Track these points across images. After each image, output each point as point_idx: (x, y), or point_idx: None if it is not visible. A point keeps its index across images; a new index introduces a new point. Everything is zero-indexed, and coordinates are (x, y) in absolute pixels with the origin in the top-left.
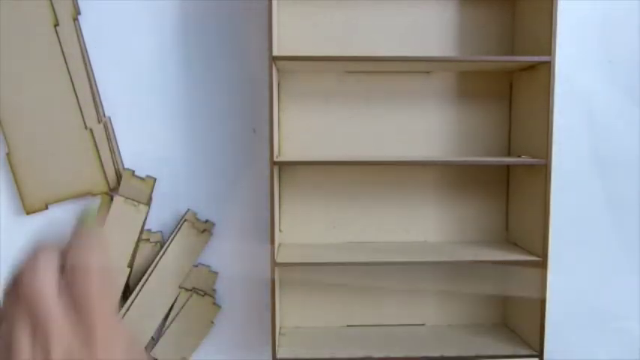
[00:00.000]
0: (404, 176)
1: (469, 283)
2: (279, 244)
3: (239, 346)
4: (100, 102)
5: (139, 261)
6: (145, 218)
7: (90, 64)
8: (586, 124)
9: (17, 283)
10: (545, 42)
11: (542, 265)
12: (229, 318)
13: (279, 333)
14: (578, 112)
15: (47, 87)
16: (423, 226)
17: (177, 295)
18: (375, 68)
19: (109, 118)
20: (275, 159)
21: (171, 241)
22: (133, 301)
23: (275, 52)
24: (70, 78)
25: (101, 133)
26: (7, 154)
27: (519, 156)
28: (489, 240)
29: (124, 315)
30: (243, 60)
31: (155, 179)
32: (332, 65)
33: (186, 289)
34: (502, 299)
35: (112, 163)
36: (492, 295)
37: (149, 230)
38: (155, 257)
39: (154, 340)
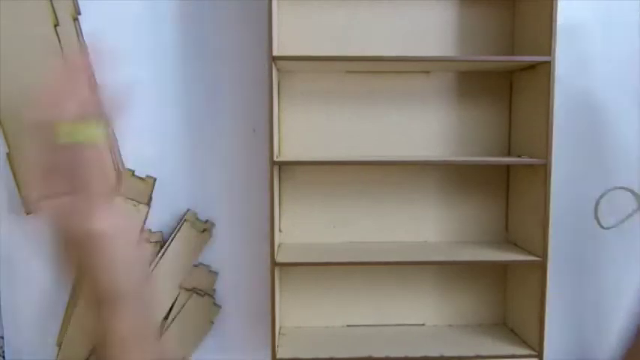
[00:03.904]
0: (404, 176)
1: (469, 283)
2: (279, 244)
3: (239, 346)
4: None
5: None
6: (145, 218)
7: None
8: (586, 124)
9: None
10: (545, 42)
11: (542, 265)
12: (229, 318)
13: (279, 333)
14: (578, 112)
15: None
16: (423, 226)
17: (177, 295)
18: (375, 68)
19: None
20: (275, 159)
21: (172, 241)
22: None
23: (275, 52)
24: None
25: None
26: (7, 154)
27: (519, 156)
28: (489, 240)
29: None
30: (243, 60)
31: (155, 179)
32: (332, 65)
33: (187, 289)
34: (502, 299)
35: (111, 163)
36: (492, 295)
37: (149, 230)
38: (155, 257)
39: None
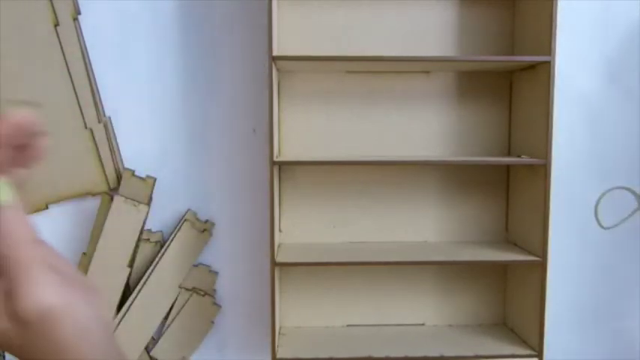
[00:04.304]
0: (404, 176)
1: (469, 283)
2: (279, 244)
3: (239, 346)
4: (100, 102)
5: (139, 261)
6: (145, 218)
7: (90, 64)
8: (586, 124)
9: None
10: (545, 42)
11: (542, 265)
12: (229, 318)
13: (279, 333)
14: (578, 112)
15: (47, 87)
16: (423, 226)
17: (177, 295)
18: (375, 68)
19: (109, 118)
20: (275, 159)
21: (172, 241)
22: (133, 301)
23: (275, 52)
24: (70, 78)
25: (101, 133)
26: None
27: (519, 156)
28: (489, 240)
29: (125, 315)
30: (243, 60)
31: (155, 179)
32: (332, 65)
33: (187, 289)
34: (502, 299)
35: (112, 163)
36: (492, 295)
37: (149, 230)
38: (155, 257)
39: (154, 340)
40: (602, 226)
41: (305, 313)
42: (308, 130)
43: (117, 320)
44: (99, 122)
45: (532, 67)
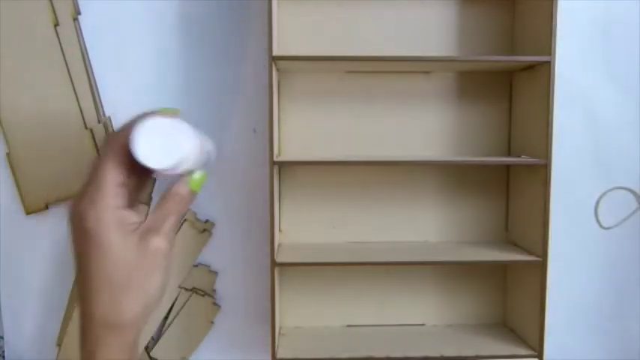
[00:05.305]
0: (404, 176)
1: (469, 283)
2: (279, 244)
3: (239, 346)
4: (100, 102)
5: None
6: (145, 218)
7: (90, 64)
8: (586, 124)
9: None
10: (545, 42)
11: (542, 265)
12: (229, 318)
13: (279, 333)
14: (578, 112)
15: (47, 87)
16: (423, 226)
17: (177, 295)
18: (375, 68)
19: (109, 118)
20: (275, 159)
21: None
22: None
23: (275, 52)
24: (70, 78)
25: (101, 133)
26: (7, 154)
27: (519, 156)
28: (489, 240)
29: None
30: (243, 60)
31: (155, 179)
32: (332, 65)
33: (186, 289)
34: (502, 299)
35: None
36: (492, 295)
37: None
38: None
39: (154, 340)
40: (602, 226)
41: (305, 313)
42: (308, 130)
43: None
44: (99, 122)
45: (532, 67)
